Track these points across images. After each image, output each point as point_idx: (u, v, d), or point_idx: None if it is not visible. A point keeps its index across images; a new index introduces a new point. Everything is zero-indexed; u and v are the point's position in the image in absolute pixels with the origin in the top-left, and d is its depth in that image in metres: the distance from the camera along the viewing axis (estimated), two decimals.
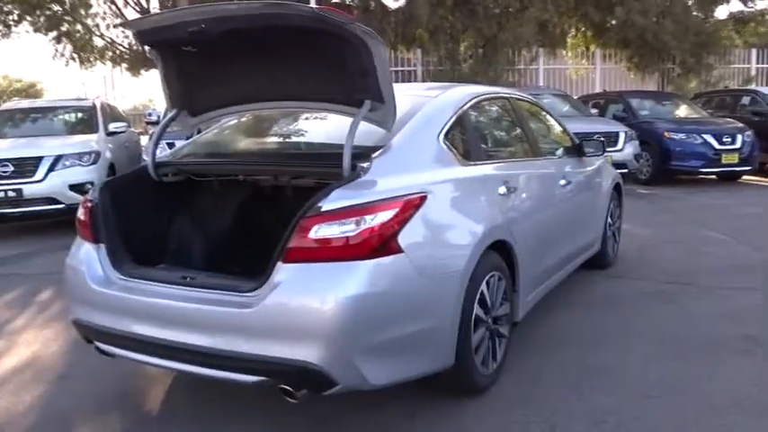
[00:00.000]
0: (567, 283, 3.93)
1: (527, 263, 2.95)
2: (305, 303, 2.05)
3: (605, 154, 4.46)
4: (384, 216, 2.13)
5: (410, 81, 14.37)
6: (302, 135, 3.18)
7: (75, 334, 2.77)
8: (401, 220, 2.18)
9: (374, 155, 2.37)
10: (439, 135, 2.66)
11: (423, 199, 2.29)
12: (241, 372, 2.14)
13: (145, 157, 3.23)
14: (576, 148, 4.08)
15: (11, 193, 6.39)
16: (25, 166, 6.49)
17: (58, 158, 6.60)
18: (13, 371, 3.09)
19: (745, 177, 9.70)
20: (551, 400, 2.58)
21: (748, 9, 15.38)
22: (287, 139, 3.23)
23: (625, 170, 8.26)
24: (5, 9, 14.61)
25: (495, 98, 3.47)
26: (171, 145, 6.40)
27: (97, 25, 16.00)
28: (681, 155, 9.08)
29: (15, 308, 4.14)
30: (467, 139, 2.91)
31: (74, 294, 2.57)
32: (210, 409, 2.61)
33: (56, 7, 14.93)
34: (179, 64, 2.69)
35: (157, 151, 2.88)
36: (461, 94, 3.06)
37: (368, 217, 2.11)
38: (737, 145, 9.06)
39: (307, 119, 3.17)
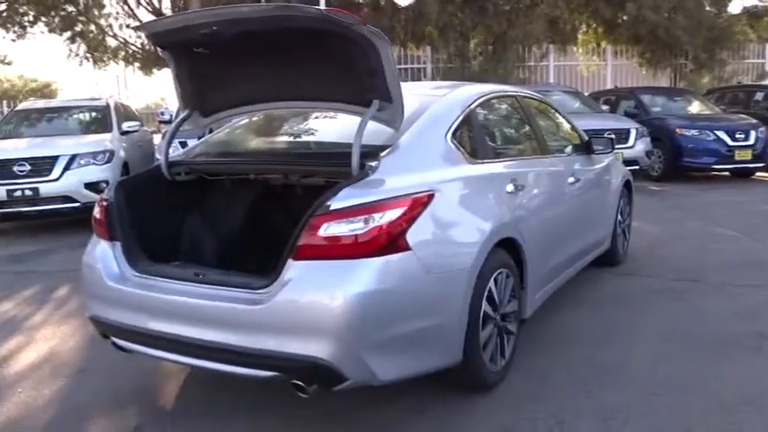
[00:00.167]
0: (577, 281, 3.94)
1: (535, 260, 2.97)
2: (315, 300, 2.09)
3: (615, 151, 4.46)
4: (392, 214, 2.17)
5: (420, 78, 14.36)
6: (312, 134, 3.22)
7: (91, 330, 2.84)
8: (409, 218, 2.21)
9: (382, 154, 2.40)
10: (446, 134, 2.69)
11: (430, 197, 2.32)
12: (253, 367, 2.18)
13: (158, 156, 3.29)
14: (585, 146, 4.08)
15: (27, 192, 6.50)
16: (41, 166, 6.60)
17: (73, 158, 6.71)
18: (31, 366, 3.17)
19: (758, 174, 9.61)
20: (559, 398, 2.61)
21: (762, 3, 15.22)
22: (297, 139, 3.27)
23: (636, 167, 8.23)
24: (21, 10, 14.82)
25: (502, 96, 3.49)
26: (183, 144, 6.46)
27: (110, 25, 16.22)
28: (693, 151, 9.01)
29: (33, 304, 4.23)
30: (474, 137, 2.93)
31: (90, 291, 2.63)
32: (223, 404, 2.66)
33: (70, 8, 15.13)
34: (191, 65, 2.74)
35: (170, 150, 2.94)
36: (469, 92, 3.09)
37: (376, 215, 2.14)
38: (751, 141, 8.97)
39: (316, 118, 3.21)
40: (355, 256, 2.11)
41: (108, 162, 6.93)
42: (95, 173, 6.75)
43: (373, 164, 2.33)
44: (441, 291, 2.32)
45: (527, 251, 2.87)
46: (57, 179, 6.59)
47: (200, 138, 3.83)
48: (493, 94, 3.30)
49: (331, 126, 3.11)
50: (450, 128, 2.72)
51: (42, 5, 14.64)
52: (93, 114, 8.45)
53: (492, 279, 2.57)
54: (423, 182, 2.36)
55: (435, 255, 2.30)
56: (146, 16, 16.00)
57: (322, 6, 10.68)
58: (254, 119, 3.35)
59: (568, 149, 4.00)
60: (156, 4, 15.88)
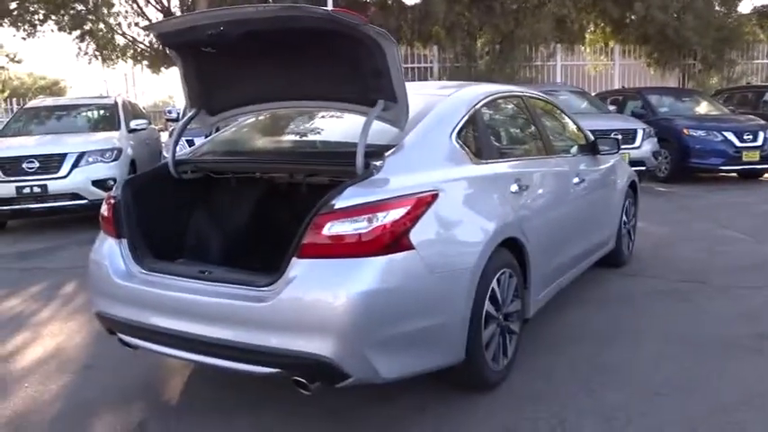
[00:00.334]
0: (581, 281, 3.94)
1: (538, 260, 2.97)
2: (318, 298, 2.11)
3: (620, 151, 4.45)
4: (396, 213, 2.18)
5: (427, 78, 14.35)
6: (317, 134, 3.24)
7: (98, 326, 2.87)
8: (413, 217, 2.23)
9: (387, 153, 2.41)
10: (451, 134, 2.70)
11: (434, 197, 2.33)
12: (256, 364, 2.20)
13: (165, 154, 3.32)
14: (591, 146, 4.08)
15: (36, 189, 6.56)
16: (50, 163, 6.66)
17: (81, 155, 6.77)
18: (38, 361, 3.21)
19: (766, 175, 9.55)
20: (561, 397, 2.61)
21: None
22: (302, 138, 3.29)
23: (643, 168, 8.19)
24: (32, 9, 14.94)
25: (508, 96, 3.49)
26: (190, 142, 6.50)
27: (119, 24, 16.31)
28: (700, 152, 8.96)
29: (40, 301, 4.28)
30: (479, 137, 2.94)
31: (97, 287, 2.66)
32: (227, 401, 2.69)
33: (79, 6, 15.22)
34: (198, 64, 2.76)
35: (177, 149, 2.97)
36: (474, 93, 3.09)
37: (380, 214, 2.16)
38: (759, 142, 8.91)
39: (321, 118, 3.23)
40: (359, 254, 2.13)
41: (116, 160, 6.98)
42: (103, 170, 6.81)
43: (378, 163, 2.35)
44: (444, 290, 2.33)
45: (530, 251, 2.88)
46: (65, 176, 6.65)
47: (206, 136, 3.85)
48: (498, 94, 3.31)
49: (336, 125, 3.13)
50: (454, 128, 2.73)
51: (52, 4, 14.75)
52: (102, 112, 8.52)
53: (495, 279, 2.58)
54: (427, 181, 2.37)
55: (439, 254, 2.31)
56: (154, 14, 16.10)
57: (329, 6, 10.71)
58: (261, 118, 3.37)
59: (574, 150, 4.00)
60: (165, 3, 15.97)
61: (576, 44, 15.69)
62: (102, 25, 15.92)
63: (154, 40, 15.11)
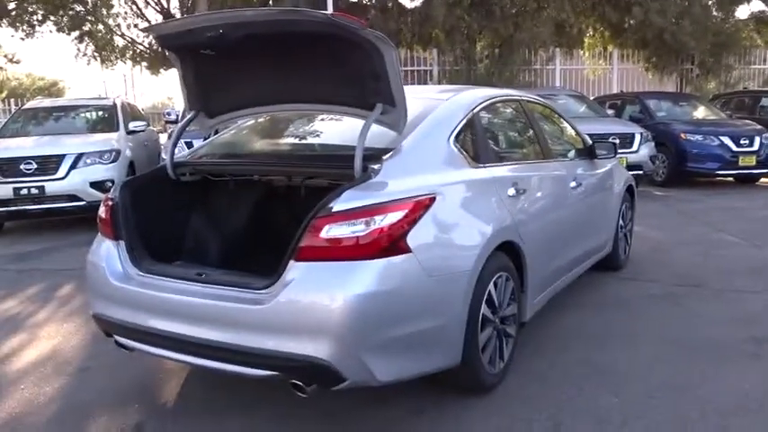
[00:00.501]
0: (578, 285, 3.96)
1: (535, 264, 2.99)
2: (315, 301, 2.12)
3: (618, 156, 4.47)
4: (394, 217, 2.19)
5: (426, 81, 14.38)
6: (315, 137, 3.24)
7: (94, 328, 2.87)
8: (410, 220, 2.24)
9: (385, 157, 2.42)
10: (449, 138, 2.71)
11: (432, 200, 2.34)
12: (253, 366, 2.20)
13: (164, 156, 3.32)
14: (588, 150, 4.10)
15: (33, 190, 6.56)
16: (48, 164, 6.66)
17: (79, 156, 6.76)
18: (34, 363, 3.21)
19: (762, 180, 9.59)
20: (557, 399, 2.62)
21: None
22: (301, 141, 3.30)
23: (640, 172, 8.22)
24: (30, 9, 14.94)
25: (506, 101, 3.51)
26: (189, 144, 6.51)
27: (118, 25, 16.34)
28: (697, 156, 9.00)
29: (37, 302, 4.27)
30: (477, 141, 2.95)
31: (94, 289, 2.66)
32: (222, 402, 2.69)
33: (78, 7, 15.23)
34: (198, 67, 2.77)
35: (176, 151, 2.97)
36: (472, 97, 3.11)
37: (378, 217, 2.16)
38: (755, 147, 8.95)
39: (320, 121, 3.24)
40: (356, 257, 2.14)
41: (114, 161, 6.98)
42: (101, 172, 6.81)
43: (376, 167, 2.35)
44: (441, 293, 2.34)
45: (527, 255, 2.89)
46: (63, 178, 6.64)
47: (205, 139, 3.86)
48: (496, 98, 3.32)
49: (335, 129, 3.14)
50: (452, 132, 2.74)
51: (51, 5, 14.76)
52: (100, 113, 8.51)
53: (492, 282, 2.58)
54: (424, 185, 2.38)
55: (436, 257, 2.32)
56: (154, 16, 16.13)
57: (329, 9, 10.73)
58: (259, 121, 3.38)
59: (571, 154, 4.01)
60: (164, 4, 15.99)
61: (575, 48, 15.74)
62: (101, 26, 15.95)
63: (153, 41, 15.11)
